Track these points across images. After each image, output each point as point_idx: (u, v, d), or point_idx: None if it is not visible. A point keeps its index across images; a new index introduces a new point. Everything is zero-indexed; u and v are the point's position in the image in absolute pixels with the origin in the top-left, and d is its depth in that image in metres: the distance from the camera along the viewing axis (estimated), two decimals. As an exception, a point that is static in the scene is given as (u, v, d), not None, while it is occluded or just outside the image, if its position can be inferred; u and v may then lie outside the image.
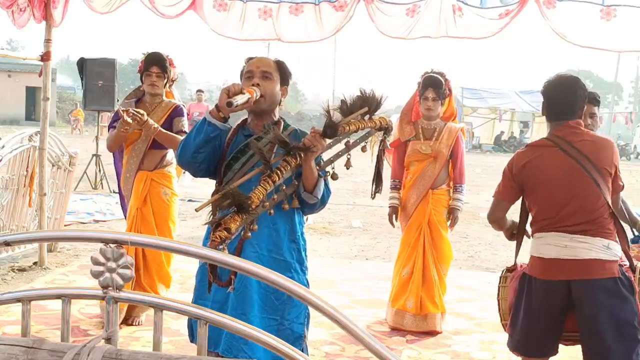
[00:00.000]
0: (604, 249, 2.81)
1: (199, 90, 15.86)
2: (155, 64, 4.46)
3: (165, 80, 4.53)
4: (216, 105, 2.52)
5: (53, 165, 6.52)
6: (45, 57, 5.71)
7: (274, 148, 2.54)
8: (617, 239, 2.88)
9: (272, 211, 2.50)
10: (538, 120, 33.34)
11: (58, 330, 1.73)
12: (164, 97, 4.62)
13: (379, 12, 4.78)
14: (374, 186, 2.91)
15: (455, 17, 4.67)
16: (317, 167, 2.60)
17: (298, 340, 2.70)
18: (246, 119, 2.80)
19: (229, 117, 2.57)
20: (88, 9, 5.24)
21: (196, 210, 2.41)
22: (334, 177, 2.64)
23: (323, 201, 2.66)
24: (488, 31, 4.69)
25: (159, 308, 1.65)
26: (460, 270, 6.66)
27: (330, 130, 2.49)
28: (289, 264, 2.68)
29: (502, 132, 33.95)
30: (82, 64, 10.77)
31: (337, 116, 2.56)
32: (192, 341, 2.83)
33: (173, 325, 4.49)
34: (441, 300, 4.74)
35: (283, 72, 2.77)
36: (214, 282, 2.52)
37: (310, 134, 2.53)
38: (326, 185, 2.65)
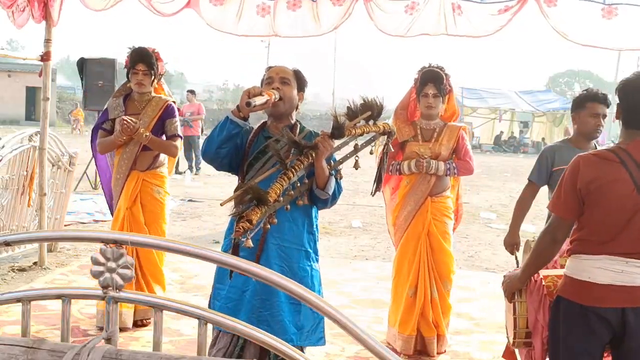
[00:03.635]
0: None
1: (189, 91, 16.16)
2: (141, 61, 4.32)
3: (153, 77, 4.40)
4: (237, 106, 2.74)
5: (53, 165, 6.51)
6: (45, 57, 5.71)
7: (291, 149, 2.77)
8: None
9: (288, 206, 2.75)
10: (538, 120, 33.40)
11: (58, 330, 1.73)
12: (153, 93, 4.50)
13: (377, 9, 4.73)
14: (375, 185, 3.17)
15: (455, 15, 4.64)
16: (329, 167, 2.85)
17: (320, 321, 2.93)
18: (266, 122, 3.04)
19: (248, 117, 2.79)
20: (83, 7, 5.18)
21: (221, 204, 2.64)
22: (340, 176, 2.94)
23: (334, 197, 2.91)
24: (487, 30, 4.68)
25: (159, 308, 1.65)
26: (460, 270, 6.65)
27: (337, 131, 2.75)
28: (308, 253, 2.94)
29: (502, 132, 33.96)
30: (82, 64, 10.75)
31: (343, 120, 2.81)
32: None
33: (173, 325, 4.49)
34: (441, 321, 4.32)
35: (300, 80, 3.02)
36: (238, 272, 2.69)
37: (320, 136, 2.79)
38: (337, 182, 2.91)
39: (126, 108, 4.41)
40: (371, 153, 3.08)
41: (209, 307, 2.95)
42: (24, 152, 6.17)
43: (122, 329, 4.36)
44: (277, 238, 2.83)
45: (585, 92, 3.84)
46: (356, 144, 2.96)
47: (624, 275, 2.49)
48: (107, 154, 4.60)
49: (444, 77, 4.28)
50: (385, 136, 3.07)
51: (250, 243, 2.48)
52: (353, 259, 7.24)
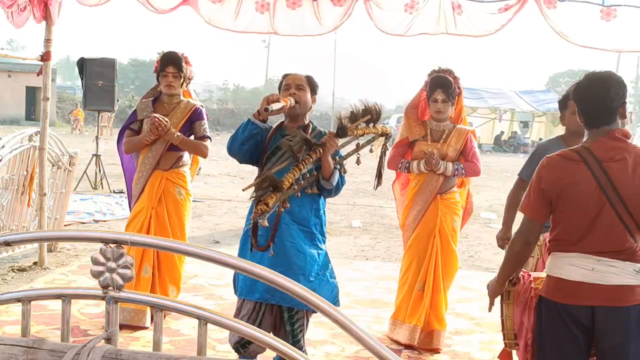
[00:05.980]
0: (634, 274, 2.49)
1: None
2: (172, 64, 4.44)
3: (182, 80, 4.52)
4: (258, 110, 3.19)
5: (53, 165, 6.51)
6: (45, 57, 5.71)
7: (303, 145, 3.16)
8: None
9: (298, 194, 3.17)
10: (538, 120, 33.37)
11: (58, 330, 1.73)
12: (182, 97, 4.60)
13: (376, 8, 4.70)
14: (377, 180, 3.55)
15: (455, 14, 4.64)
16: (334, 162, 3.28)
17: (335, 289, 3.38)
18: (283, 122, 3.49)
19: (267, 119, 3.26)
20: (77, 4, 5.15)
21: (243, 190, 3.12)
22: (344, 171, 3.39)
23: (338, 187, 3.36)
24: (488, 29, 4.68)
25: (158, 308, 1.65)
26: (460, 270, 6.61)
27: (341, 131, 3.22)
28: (314, 234, 3.36)
29: (502, 132, 33.95)
30: (82, 64, 10.78)
31: (346, 122, 3.26)
32: (235, 293, 3.43)
33: (173, 325, 4.49)
34: (444, 316, 4.48)
35: (312, 85, 3.47)
36: (255, 247, 3.22)
37: (327, 135, 3.25)
38: (341, 175, 3.35)
39: (155, 110, 4.49)
40: (371, 151, 3.46)
41: (234, 282, 3.41)
42: (24, 152, 6.16)
43: (137, 328, 4.40)
44: (289, 220, 3.27)
45: (566, 91, 3.75)
46: (358, 143, 3.38)
47: (594, 273, 2.50)
48: (133, 154, 4.68)
49: (452, 81, 4.40)
50: (384, 137, 3.47)
51: (266, 223, 2.95)
52: (353, 259, 7.24)
